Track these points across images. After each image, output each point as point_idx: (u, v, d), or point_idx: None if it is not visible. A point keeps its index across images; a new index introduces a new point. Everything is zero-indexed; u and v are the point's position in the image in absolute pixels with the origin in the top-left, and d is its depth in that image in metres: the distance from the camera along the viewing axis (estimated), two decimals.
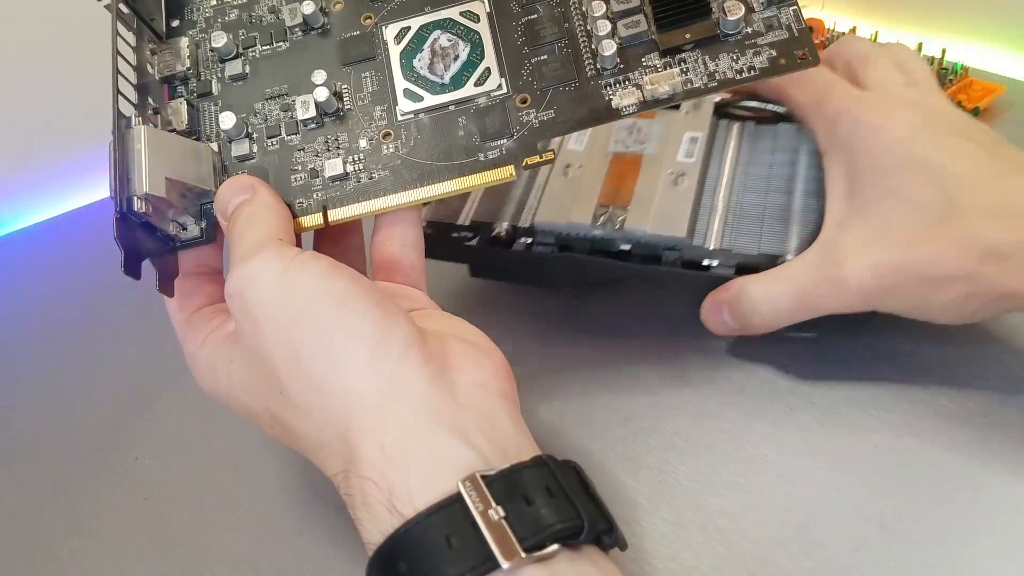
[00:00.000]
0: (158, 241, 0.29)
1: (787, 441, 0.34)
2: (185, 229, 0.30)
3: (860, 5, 0.68)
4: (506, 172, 0.29)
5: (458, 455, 0.23)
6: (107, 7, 0.31)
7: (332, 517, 0.31)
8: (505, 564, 0.21)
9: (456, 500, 0.22)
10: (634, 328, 0.39)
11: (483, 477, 0.22)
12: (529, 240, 0.36)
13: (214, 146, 0.31)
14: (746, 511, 0.31)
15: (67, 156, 0.51)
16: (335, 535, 0.31)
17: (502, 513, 0.21)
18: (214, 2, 0.34)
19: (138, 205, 0.27)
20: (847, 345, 0.38)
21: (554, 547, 0.22)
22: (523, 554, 0.21)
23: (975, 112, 0.52)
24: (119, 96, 0.29)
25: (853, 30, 0.61)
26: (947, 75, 0.54)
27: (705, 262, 0.34)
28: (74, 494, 0.33)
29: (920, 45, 0.57)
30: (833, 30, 0.62)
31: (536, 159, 0.29)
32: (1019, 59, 0.64)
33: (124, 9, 0.32)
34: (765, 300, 0.33)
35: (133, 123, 0.29)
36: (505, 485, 0.22)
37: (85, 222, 0.50)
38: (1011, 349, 0.38)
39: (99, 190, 0.52)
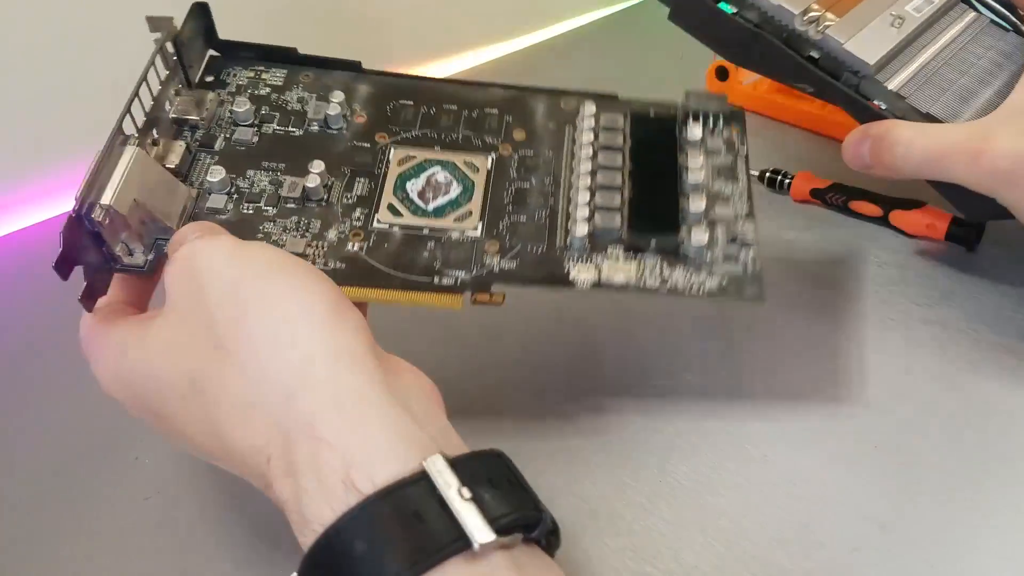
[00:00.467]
0: (100, 256, 0.29)
1: (787, 441, 0.34)
2: (131, 255, 0.30)
3: None
4: (454, 301, 0.30)
5: (415, 435, 0.22)
6: (155, 40, 0.33)
7: None
8: (477, 544, 0.20)
9: (422, 478, 0.21)
10: (633, 329, 0.39)
11: (447, 459, 0.21)
12: (733, 11, 0.37)
13: (193, 192, 0.32)
14: (746, 511, 0.31)
15: (68, 157, 0.51)
16: None
17: (469, 495, 0.21)
18: (251, 74, 0.36)
19: (97, 213, 0.28)
20: (845, 345, 0.38)
21: (517, 535, 0.21)
22: (495, 535, 0.20)
23: None
24: (128, 115, 0.30)
25: None
26: None
27: (876, 101, 0.36)
28: (74, 494, 0.33)
29: None
30: None
31: (486, 297, 0.30)
32: None
33: (170, 49, 0.33)
34: (905, 143, 0.34)
35: (129, 142, 0.30)
36: (467, 470, 0.21)
37: None
38: (1009, 348, 0.38)
39: None
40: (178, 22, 0.34)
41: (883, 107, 0.36)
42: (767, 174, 0.50)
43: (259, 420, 0.23)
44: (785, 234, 0.46)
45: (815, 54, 0.37)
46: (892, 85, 0.36)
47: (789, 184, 0.49)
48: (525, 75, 0.70)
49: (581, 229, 0.31)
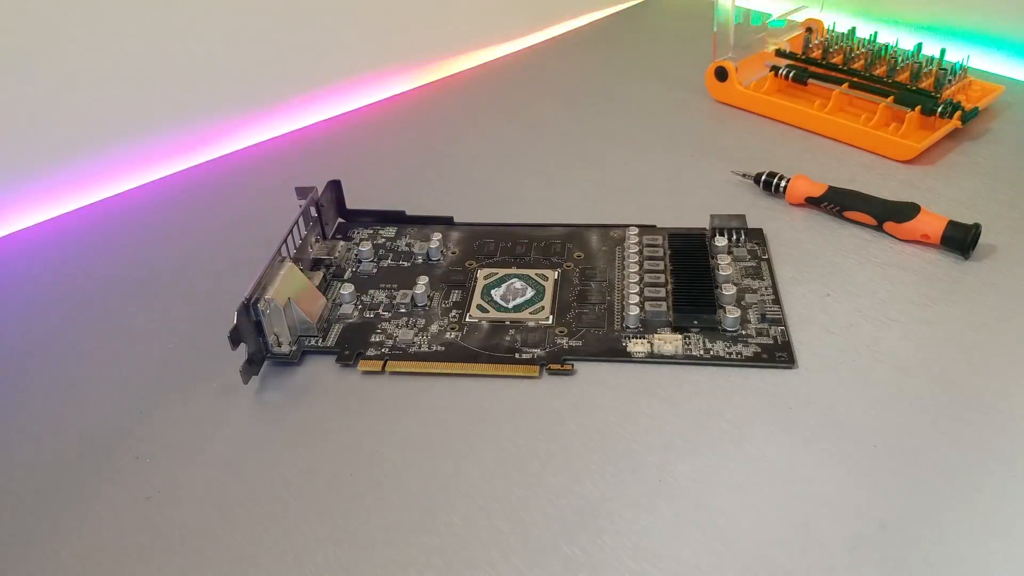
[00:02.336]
0: (257, 344, 0.38)
1: (787, 441, 0.34)
2: (280, 346, 0.39)
3: (858, 5, 0.68)
4: (532, 370, 0.37)
5: None
6: (300, 203, 0.43)
7: (333, 516, 0.31)
8: None
9: None
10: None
11: None
12: None
13: (328, 303, 0.42)
14: (746, 511, 0.31)
15: (68, 156, 0.51)
16: (337, 534, 0.31)
17: None
18: (370, 231, 0.48)
19: (262, 304, 0.37)
20: (844, 345, 0.38)
21: None
22: None
23: (974, 112, 0.52)
24: (284, 245, 0.40)
25: (852, 31, 0.61)
26: (946, 75, 0.54)
27: None
28: (74, 494, 0.33)
29: (919, 45, 0.57)
30: (832, 30, 0.62)
31: (558, 367, 0.37)
32: (1018, 59, 0.63)
33: (313, 212, 0.45)
34: None
35: (287, 261, 0.40)
36: None
37: (86, 223, 0.50)
38: (1009, 349, 0.38)
39: (98, 192, 0.52)
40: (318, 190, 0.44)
41: None
42: (763, 177, 0.50)
43: None
44: (784, 235, 0.46)
45: None
46: None
47: (785, 187, 0.49)
48: (527, 75, 0.70)
49: (633, 312, 0.39)
